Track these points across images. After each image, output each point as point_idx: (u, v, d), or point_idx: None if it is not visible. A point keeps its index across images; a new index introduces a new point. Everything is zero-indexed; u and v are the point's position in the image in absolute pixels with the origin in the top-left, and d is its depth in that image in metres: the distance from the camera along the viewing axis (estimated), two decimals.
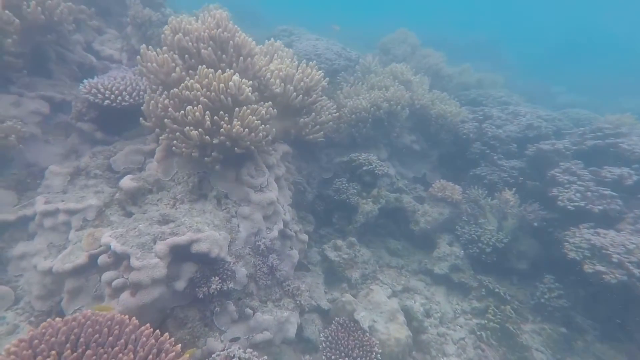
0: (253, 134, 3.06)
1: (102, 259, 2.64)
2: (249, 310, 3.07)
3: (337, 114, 4.23)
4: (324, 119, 3.99)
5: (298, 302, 3.37)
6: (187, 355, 2.17)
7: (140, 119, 2.95)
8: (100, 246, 2.70)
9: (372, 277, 4.96)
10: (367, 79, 7.05)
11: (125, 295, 2.55)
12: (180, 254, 2.84)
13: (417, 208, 5.64)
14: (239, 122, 2.94)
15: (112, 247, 2.61)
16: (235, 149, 3.04)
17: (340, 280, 4.64)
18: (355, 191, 5.47)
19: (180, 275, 2.86)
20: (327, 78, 4.05)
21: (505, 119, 7.28)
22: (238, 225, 3.26)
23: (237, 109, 3.00)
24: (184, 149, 2.89)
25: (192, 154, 2.93)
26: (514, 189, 5.55)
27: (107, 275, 2.59)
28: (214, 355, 2.53)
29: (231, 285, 2.96)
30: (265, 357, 2.64)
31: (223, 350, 2.54)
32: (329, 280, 4.67)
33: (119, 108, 3.33)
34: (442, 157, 7.43)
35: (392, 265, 5.44)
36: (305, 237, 4.07)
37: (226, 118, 2.95)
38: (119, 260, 2.66)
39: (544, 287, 4.81)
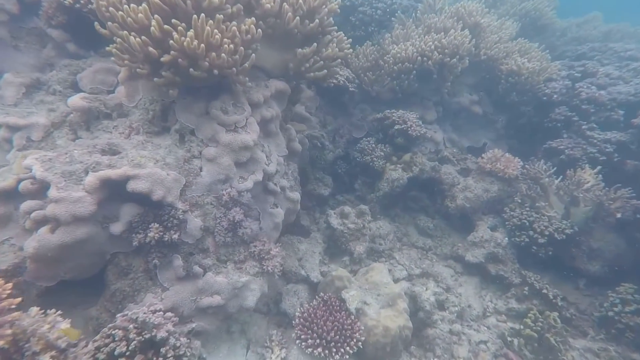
0: (214, 54, 2.37)
1: (24, 185, 2.29)
2: (197, 269, 2.56)
3: (350, 50, 3.29)
4: (330, 54, 3.11)
5: (265, 267, 2.76)
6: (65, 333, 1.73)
7: (95, 23, 2.44)
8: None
9: (386, 254, 4.16)
10: (423, 19, 5.77)
11: (43, 231, 2.18)
12: (122, 193, 2.38)
13: (457, 181, 4.54)
14: (192, 34, 2.27)
15: (33, 171, 2.23)
16: (195, 72, 2.40)
17: (343, 252, 3.93)
18: (383, 154, 4.56)
19: (120, 216, 2.42)
20: (338, 0, 3.11)
21: (617, 77, 5.47)
22: (200, 169, 2.69)
23: (195, 16, 2.31)
24: (126, 62, 2.33)
25: (139, 70, 2.36)
26: (600, 168, 4.12)
27: (26, 204, 2.24)
28: (118, 315, 2.08)
29: (176, 236, 2.45)
30: (171, 327, 2.11)
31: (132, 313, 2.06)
32: (332, 252, 3.99)
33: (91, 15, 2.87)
34: (511, 124, 6.01)
35: (418, 245, 4.55)
36: (295, 195, 3.38)
37: (180, 28, 2.29)
38: (44, 188, 2.28)
39: (617, 298, 3.56)
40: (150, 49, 2.24)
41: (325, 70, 3.15)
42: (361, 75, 5.19)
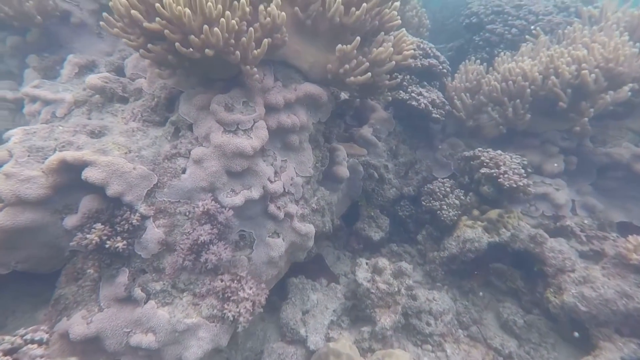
0: (206, 27, 1.89)
1: (1, 155, 2.18)
2: (139, 293, 2.05)
3: (411, 52, 2.42)
4: (379, 54, 2.31)
5: (227, 313, 2.07)
6: None
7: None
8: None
9: (433, 341, 2.95)
10: (567, 34, 4.32)
11: None
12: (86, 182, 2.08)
13: (572, 266, 2.99)
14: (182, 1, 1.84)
15: (10, 140, 2.10)
16: (183, 49, 1.97)
17: (367, 319, 2.91)
18: (459, 203, 3.40)
19: (78, 209, 2.11)
20: None
21: None
22: (184, 170, 2.23)
23: None
24: (116, 28, 2.04)
25: (128, 42, 2.05)
26: None
27: None
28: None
29: (120, 245, 2.00)
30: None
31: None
32: (356, 315, 3.02)
33: None
34: None
35: (492, 345, 3.16)
36: (306, 228, 2.61)
37: None
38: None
39: None
40: (133, 11, 1.89)
41: (369, 74, 2.35)
42: (454, 100, 4.11)
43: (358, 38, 2.31)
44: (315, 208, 2.92)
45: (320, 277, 3.26)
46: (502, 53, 4.43)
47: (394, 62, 2.44)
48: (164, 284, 2.09)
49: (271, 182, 2.45)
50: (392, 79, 2.77)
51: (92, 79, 2.52)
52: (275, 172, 2.53)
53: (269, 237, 2.51)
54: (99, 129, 2.32)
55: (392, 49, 2.38)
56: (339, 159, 3.39)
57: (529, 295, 3.36)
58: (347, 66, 2.39)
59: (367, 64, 2.38)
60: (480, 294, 3.39)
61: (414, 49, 2.49)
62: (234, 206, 2.24)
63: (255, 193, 2.34)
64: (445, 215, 3.34)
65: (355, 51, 2.41)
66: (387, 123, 4.07)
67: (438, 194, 3.50)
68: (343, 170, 3.34)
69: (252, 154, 2.27)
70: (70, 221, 2.06)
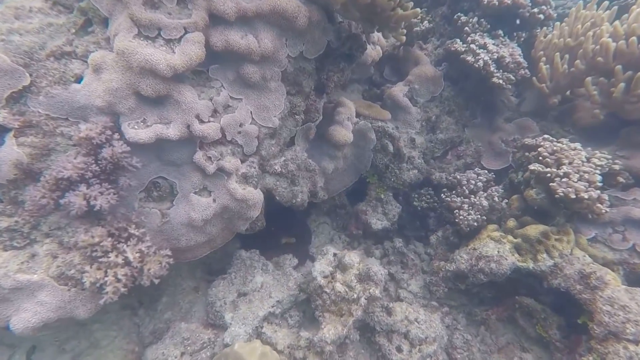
0: None
1: None
2: None
3: None
4: None
5: (85, 278, 1.62)
6: None
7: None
8: None
9: None
10: None
11: None
12: None
13: (636, 336, 1.86)
14: None
15: None
16: None
17: (315, 322, 2.24)
18: (487, 205, 2.44)
19: None
20: None
21: None
22: (79, 79, 1.73)
23: None
24: None
25: None
26: None
27: None
28: None
29: None
30: None
31: None
32: (311, 312, 2.38)
33: None
34: None
35: None
36: (247, 194, 1.98)
37: None
38: None
39: None
40: None
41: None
42: (539, 62, 2.86)
43: None
44: (279, 171, 2.24)
45: (286, 255, 2.64)
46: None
47: None
48: (16, 221, 1.67)
49: (201, 121, 1.83)
50: (402, 5, 1.83)
51: None
52: (215, 111, 1.90)
53: (193, 193, 1.95)
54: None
55: None
56: (340, 117, 2.59)
57: (565, 355, 2.29)
58: None
59: None
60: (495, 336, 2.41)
61: None
62: (137, 142, 1.69)
63: (173, 132, 1.76)
64: (461, 218, 2.36)
65: None
66: (432, 83, 3.04)
67: (464, 187, 2.49)
68: (342, 134, 2.55)
69: (170, 75, 1.66)
70: None
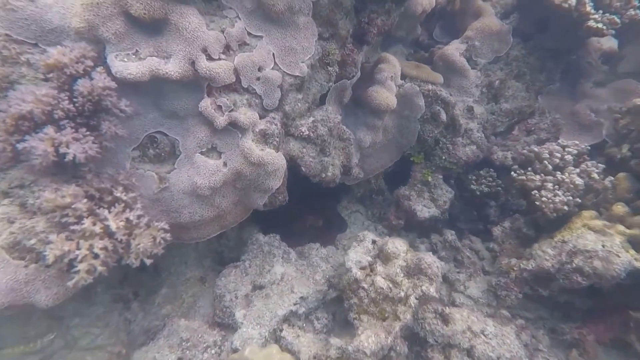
0: None
1: None
2: None
3: None
4: None
5: (48, 252, 1.27)
6: None
7: None
8: None
9: None
10: None
11: None
12: None
13: None
14: None
15: None
16: None
17: (349, 325, 1.79)
18: (583, 184, 1.86)
19: None
20: None
21: None
22: None
23: None
24: None
25: None
26: None
27: None
28: None
29: None
30: None
31: None
32: (342, 313, 1.93)
33: None
34: None
35: None
36: (266, 156, 1.59)
37: None
38: None
39: None
40: None
41: None
42: None
43: None
44: (306, 134, 1.82)
45: (312, 244, 2.22)
46: None
47: None
48: None
49: (210, 58, 1.45)
50: None
51: None
52: (228, 47, 1.51)
53: (199, 153, 1.57)
54: None
55: None
56: (382, 75, 2.15)
57: None
58: None
59: None
60: None
61: None
62: (126, 78, 1.33)
63: (174, 68, 1.39)
64: (544, 200, 1.82)
65: None
66: (497, 40, 2.51)
67: (545, 162, 1.95)
68: (384, 96, 2.10)
69: None
70: None
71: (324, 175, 1.98)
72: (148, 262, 1.38)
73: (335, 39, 1.82)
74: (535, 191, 1.88)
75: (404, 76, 2.37)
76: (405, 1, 1.99)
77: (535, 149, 2.06)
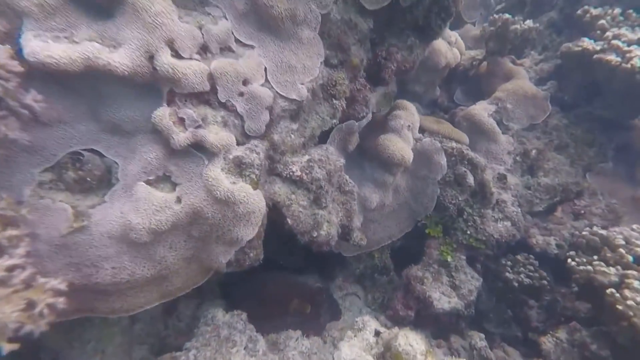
0: None
1: None
2: None
3: None
4: None
5: None
6: None
7: None
8: None
9: None
10: None
11: None
12: None
13: None
14: None
15: None
16: None
17: None
18: None
19: None
20: None
21: None
22: None
23: None
24: None
25: None
26: None
27: None
28: None
29: None
30: None
31: None
32: None
33: None
34: None
35: None
36: (238, 190, 1.13)
37: None
38: None
39: None
40: None
41: None
42: None
43: None
44: (297, 175, 1.39)
45: (291, 332, 1.62)
46: None
47: None
48: None
49: (177, 55, 1.09)
50: None
51: None
52: (204, 49, 1.16)
53: (144, 182, 1.12)
54: None
55: None
56: (398, 123, 1.81)
57: None
58: None
59: None
60: None
61: None
62: (43, 63, 0.96)
63: (120, 59, 1.03)
64: (630, 306, 1.26)
65: None
66: (533, 105, 2.22)
67: (621, 250, 1.44)
68: (398, 146, 1.74)
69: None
70: None
71: (315, 233, 1.49)
72: (8, 348, 0.84)
73: (346, 67, 1.49)
74: (612, 290, 1.35)
75: (422, 130, 2.02)
76: (433, 37, 1.71)
77: (603, 232, 1.58)
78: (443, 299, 1.92)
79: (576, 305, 1.76)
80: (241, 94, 1.21)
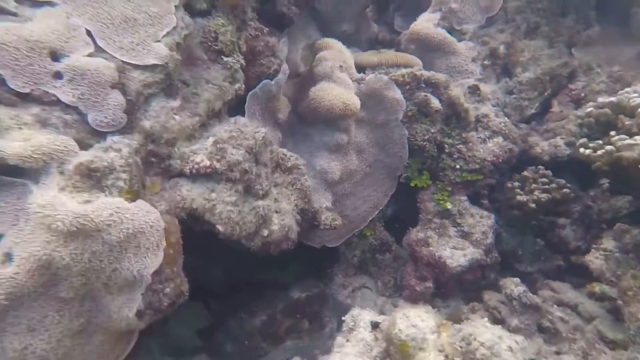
0: None
1: None
2: None
3: None
4: None
5: None
6: None
7: None
8: None
9: None
10: None
11: None
12: None
13: None
14: None
15: None
16: None
17: None
18: None
19: None
20: None
21: None
22: None
23: None
24: None
25: None
26: None
27: None
28: None
29: None
30: None
31: None
32: None
33: None
34: None
35: None
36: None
37: None
38: None
39: None
40: None
41: None
42: None
43: None
44: (206, 166, 1.04)
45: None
46: None
47: None
48: None
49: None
50: None
51: None
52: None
53: None
54: None
55: None
56: (325, 66, 1.50)
57: None
58: None
59: None
60: None
61: None
62: None
63: None
64: None
65: None
66: None
67: (638, 111, 1.11)
68: (334, 93, 1.47)
69: None
70: None
71: (265, 232, 1.14)
72: None
73: (221, 9, 1.14)
74: None
75: (362, 69, 1.66)
76: None
77: (611, 99, 1.24)
78: (457, 254, 1.57)
79: (613, 202, 1.41)
80: (57, 75, 0.85)
